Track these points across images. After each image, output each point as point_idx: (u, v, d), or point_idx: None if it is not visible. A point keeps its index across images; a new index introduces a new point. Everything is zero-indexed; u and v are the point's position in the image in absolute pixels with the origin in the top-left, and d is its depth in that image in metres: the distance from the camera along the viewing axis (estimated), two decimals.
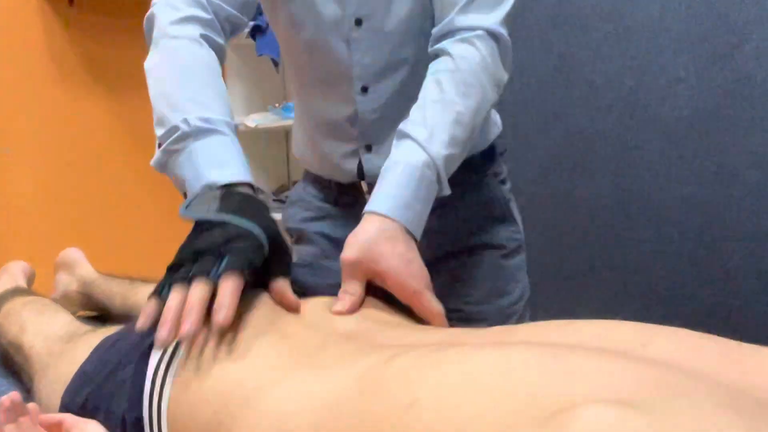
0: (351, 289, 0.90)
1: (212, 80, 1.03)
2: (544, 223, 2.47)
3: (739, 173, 2.11)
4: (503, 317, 1.26)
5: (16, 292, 1.34)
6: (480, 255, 1.27)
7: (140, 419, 0.77)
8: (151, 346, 0.80)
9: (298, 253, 1.33)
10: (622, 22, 2.27)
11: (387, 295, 0.92)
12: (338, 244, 0.97)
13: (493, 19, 1.06)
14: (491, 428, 0.50)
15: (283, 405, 0.66)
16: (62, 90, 3.18)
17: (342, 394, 0.63)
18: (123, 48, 3.25)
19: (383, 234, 0.92)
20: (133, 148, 3.38)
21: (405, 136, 0.99)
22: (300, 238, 1.34)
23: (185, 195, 0.95)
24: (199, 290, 0.78)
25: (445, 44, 1.07)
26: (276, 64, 3.15)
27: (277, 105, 3.38)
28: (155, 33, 1.08)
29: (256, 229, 0.85)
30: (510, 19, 1.09)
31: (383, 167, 0.99)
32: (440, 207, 1.02)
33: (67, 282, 1.61)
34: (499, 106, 1.22)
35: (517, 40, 1.12)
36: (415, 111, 1.03)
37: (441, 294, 0.92)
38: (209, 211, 0.87)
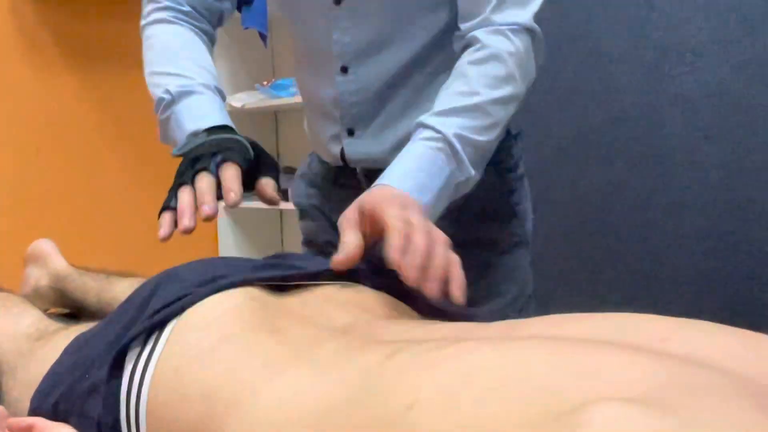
0: (347, 239, 0.93)
1: (188, 53, 1.24)
2: (558, 210, 2.47)
3: None
4: (498, 319, 1.27)
5: None
6: (468, 252, 1.28)
7: (117, 422, 0.77)
8: (128, 343, 0.81)
9: (302, 229, 1.47)
10: None
11: (391, 289, 0.93)
12: (335, 224, 1.01)
13: (528, 14, 1.12)
14: (497, 430, 0.50)
15: (273, 407, 0.66)
16: (31, 67, 3.17)
17: (337, 394, 0.63)
18: (96, 21, 3.24)
19: (383, 192, 0.96)
20: (108, 128, 3.37)
21: (418, 125, 1.07)
22: (303, 213, 1.47)
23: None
24: (205, 181, 0.99)
25: (478, 33, 1.12)
26: (264, 38, 3.11)
27: (265, 83, 3.37)
28: (141, 25, 1.30)
29: (241, 138, 1.06)
30: (538, 16, 1.14)
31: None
32: None
33: (37, 276, 1.61)
34: None
35: None
36: (435, 103, 1.09)
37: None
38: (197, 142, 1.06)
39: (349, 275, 0.95)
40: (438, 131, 1.04)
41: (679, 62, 2.22)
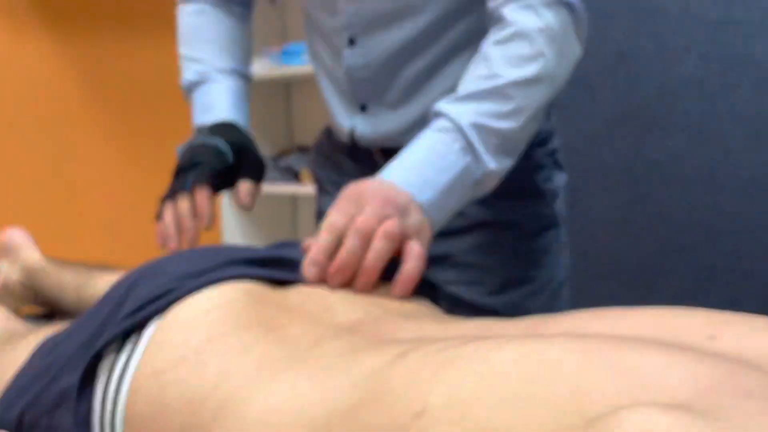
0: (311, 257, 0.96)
1: (209, 33, 1.46)
2: (607, 191, 2.46)
3: None
4: (520, 311, 1.29)
5: None
6: (488, 234, 1.32)
7: None
8: (104, 346, 0.81)
9: (318, 202, 1.56)
10: None
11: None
12: None
13: None
14: None
15: (267, 416, 0.66)
16: (2, 30, 3.18)
17: (338, 401, 0.63)
18: None
19: (370, 185, 1.00)
20: (91, 99, 3.38)
21: (434, 113, 1.09)
22: (321, 187, 1.55)
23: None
24: (184, 205, 1.25)
25: (505, 10, 1.12)
26: None
27: (276, 49, 3.36)
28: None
29: (220, 142, 1.29)
30: None
31: None
32: None
33: (7, 271, 1.62)
34: None
35: None
36: (458, 88, 1.11)
37: (441, 282, 1.00)
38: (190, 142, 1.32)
39: None
40: (452, 120, 1.05)
41: (748, 18, 2.20)
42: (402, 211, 0.97)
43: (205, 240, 1.14)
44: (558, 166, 1.37)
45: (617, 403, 0.47)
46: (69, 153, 3.33)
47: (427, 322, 0.83)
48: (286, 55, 3.27)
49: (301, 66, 3.22)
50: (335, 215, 0.96)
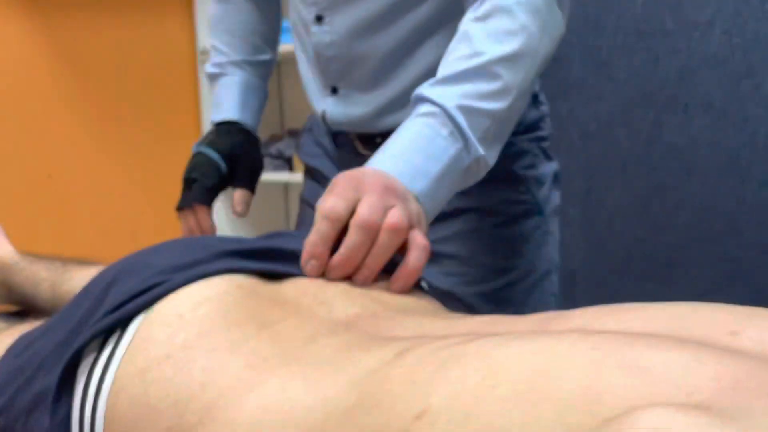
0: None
1: (227, 23, 1.64)
2: (624, 178, 2.46)
3: None
4: (499, 302, 1.31)
5: None
6: (465, 222, 1.35)
7: None
8: (84, 344, 0.81)
9: (304, 185, 1.65)
10: None
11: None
12: None
13: None
14: None
15: (257, 418, 0.67)
16: None
17: (334, 402, 0.63)
18: None
19: (362, 173, 1.00)
20: (68, 81, 3.38)
21: (416, 98, 1.09)
22: (308, 171, 1.63)
23: None
24: (188, 221, 1.50)
25: None
26: None
27: None
28: None
29: (213, 154, 1.49)
30: None
31: None
32: None
33: None
34: None
35: None
36: (438, 70, 1.12)
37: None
38: (198, 146, 1.54)
39: None
40: (437, 104, 1.05)
41: None
42: (403, 199, 0.96)
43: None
44: (546, 155, 1.40)
45: (631, 403, 0.47)
46: (42, 137, 3.31)
47: (429, 318, 0.83)
48: None
49: (291, 44, 3.21)
50: (334, 199, 0.95)
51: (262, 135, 3.61)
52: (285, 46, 3.24)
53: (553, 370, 0.53)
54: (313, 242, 0.93)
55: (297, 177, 3.36)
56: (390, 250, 0.93)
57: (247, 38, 1.63)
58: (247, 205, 1.52)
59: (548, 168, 1.40)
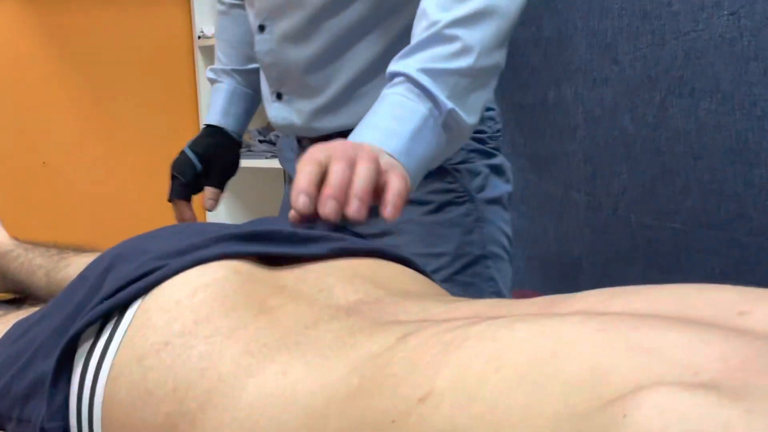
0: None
1: (226, 34, 1.81)
2: (629, 163, 2.46)
3: None
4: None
5: None
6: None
7: (66, 429, 0.78)
8: (81, 330, 0.81)
9: (286, 192, 1.79)
10: None
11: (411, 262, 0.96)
12: None
13: None
14: (529, 423, 0.50)
15: (257, 404, 0.67)
16: None
17: (336, 387, 0.63)
18: None
19: (332, 143, 1.04)
20: (61, 68, 3.38)
21: (387, 76, 1.18)
22: (289, 177, 1.74)
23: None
24: (177, 210, 1.70)
25: None
26: None
27: None
28: None
29: (191, 154, 1.69)
30: None
31: None
32: None
33: None
34: None
35: None
36: None
37: None
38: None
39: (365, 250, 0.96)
40: (401, 74, 1.14)
41: None
42: (374, 150, 1.02)
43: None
44: (484, 152, 1.46)
45: (637, 383, 0.47)
46: (37, 125, 3.32)
47: (432, 302, 0.82)
48: None
49: None
50: (312, 151, 1.00)
51: (260, 122, 3.64)
52: None
53: (558, 352, 0.53)
54: (301, 181, 0.96)
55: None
56: (370, 178, 0.96)
57: (241, 48, 1.78)
58: (216, 201, 1.75)
59: (486, 162, 1.47)
